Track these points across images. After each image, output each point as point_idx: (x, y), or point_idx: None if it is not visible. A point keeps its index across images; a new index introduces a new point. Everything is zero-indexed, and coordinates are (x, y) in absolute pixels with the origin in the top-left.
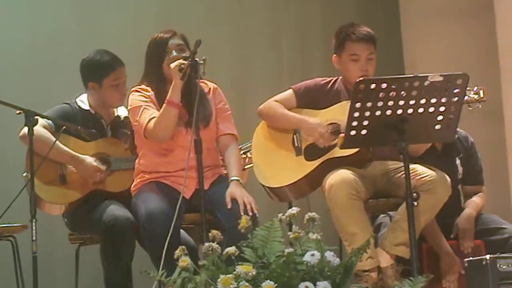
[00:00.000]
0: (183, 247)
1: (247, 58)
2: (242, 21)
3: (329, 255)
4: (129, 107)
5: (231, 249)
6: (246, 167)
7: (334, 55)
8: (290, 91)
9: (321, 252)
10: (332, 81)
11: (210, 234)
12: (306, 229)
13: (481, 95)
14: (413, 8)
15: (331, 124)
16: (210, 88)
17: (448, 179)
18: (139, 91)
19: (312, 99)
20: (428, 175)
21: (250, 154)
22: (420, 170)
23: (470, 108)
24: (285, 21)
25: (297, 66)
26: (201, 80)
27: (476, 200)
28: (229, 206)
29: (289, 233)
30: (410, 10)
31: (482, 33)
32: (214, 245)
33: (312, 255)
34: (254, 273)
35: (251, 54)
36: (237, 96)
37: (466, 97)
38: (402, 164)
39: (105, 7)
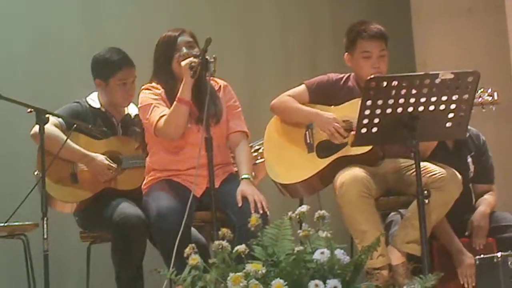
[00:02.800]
0: (193, 245)
1: (258, 55)
2: (252, 18)
3: (339, 253)
4: (139, 105)
5: (241, 247)
6: (257, 161)
7: (346, 53)
8: (302, 86)
9: (331, 250)
10: (345, 77)
11: (220, 232)
12: (317, 227)
13: (495, 97)
14: (424, 6)
15: (343, 121)
16: (220, 86)
17: (459, 176)
18: (149, 89)
19: (325, 94)
20: (439, 173)
21: (262, 150)
22: (431, 168)
23: (484, 110)
24: (295, 19)
25: (307, 63)
26: (211, 78)
27: (488, 198)
28: (239, 204)
29: (299, 231)
30: (421, 8)
31: (494, 31)
32: (224, 243)
33: (322, 253)
34: (264, 271)
35: (261, 51)
36: (248, 94)
37: (479, 99)
38: (413, 162)
39: (114, 5)
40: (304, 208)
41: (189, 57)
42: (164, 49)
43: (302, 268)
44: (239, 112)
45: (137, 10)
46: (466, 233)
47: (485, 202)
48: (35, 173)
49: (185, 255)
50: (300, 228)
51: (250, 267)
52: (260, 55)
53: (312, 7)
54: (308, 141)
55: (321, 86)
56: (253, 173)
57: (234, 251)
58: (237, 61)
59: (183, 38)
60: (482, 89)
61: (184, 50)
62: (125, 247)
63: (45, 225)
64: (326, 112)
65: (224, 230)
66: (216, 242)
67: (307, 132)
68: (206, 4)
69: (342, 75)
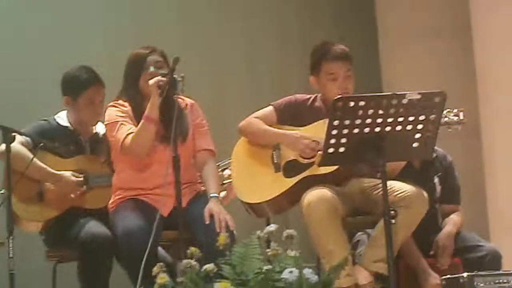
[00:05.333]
0: (162, 263)
1: (225, 75)
2: (219, 38)
3: (307, 272)
4: (106, 122)
5: (210, 266)
6: (224, 182)
7: (312, 76)
8: (270, 107)
9: (300, 269)
10: (312, 98)
11: (188, 251)
12: (285, 246)
13: (461, 117)
14: (391, 27)
15: (312, 141)
16: (187, 104)
17: (425, 194)
18: (116, 106)
19: (293, 115)
20: (405, 191)
21: (229, 170)
22: (397, 187)
23: (450, 130)
24: (263, 39)
25: (276, 83)
26: (178, 96)
27: (455, 218)
28: (207, 222)
29: (267, 250)
30: (388, 29)
31: (460, 53)
32: (193, 262)
33: (291, 272)
34: None
35: (229, 71)
36: (216, 114)
37: (446, 119)
38: (379, 181)
39: (86, 25)
40: (272, 227)
41: (156, 76)
42: (132, 66)
43: (270, 287)
44: (206, 130)
45: (110, 28)
46: (431, 252)
47: (452, 222)
48: (1, 191)
49: (153, 274)
50: (268, 247)
51: (219, 286)
52: (228, 74)
53: (280, 27)
54: (275, 160)
55: (288, 106)
56: (225, 192)
57: (202, 270)
58: (204, 81)
59: (153, 57)
60: (448, 110)
61: (152, 69)
62: (91, 266)
63: (11, 245)
64: (292, 131)
65: (193, 249)
66: (185, 261)
67: (274, 152)
68: (175, 24)
69: (309, 96)
